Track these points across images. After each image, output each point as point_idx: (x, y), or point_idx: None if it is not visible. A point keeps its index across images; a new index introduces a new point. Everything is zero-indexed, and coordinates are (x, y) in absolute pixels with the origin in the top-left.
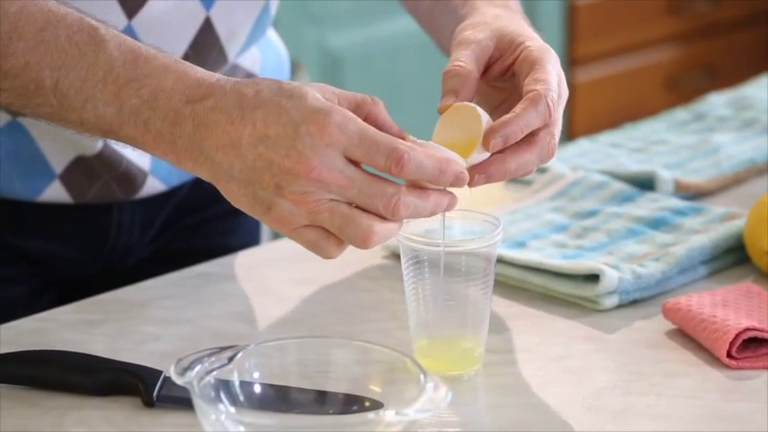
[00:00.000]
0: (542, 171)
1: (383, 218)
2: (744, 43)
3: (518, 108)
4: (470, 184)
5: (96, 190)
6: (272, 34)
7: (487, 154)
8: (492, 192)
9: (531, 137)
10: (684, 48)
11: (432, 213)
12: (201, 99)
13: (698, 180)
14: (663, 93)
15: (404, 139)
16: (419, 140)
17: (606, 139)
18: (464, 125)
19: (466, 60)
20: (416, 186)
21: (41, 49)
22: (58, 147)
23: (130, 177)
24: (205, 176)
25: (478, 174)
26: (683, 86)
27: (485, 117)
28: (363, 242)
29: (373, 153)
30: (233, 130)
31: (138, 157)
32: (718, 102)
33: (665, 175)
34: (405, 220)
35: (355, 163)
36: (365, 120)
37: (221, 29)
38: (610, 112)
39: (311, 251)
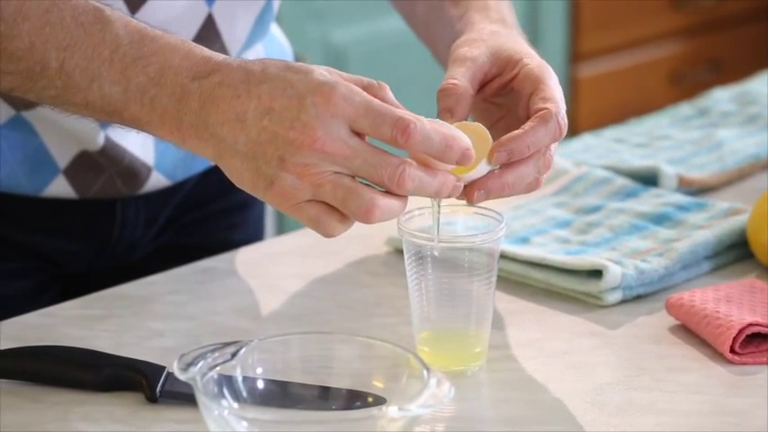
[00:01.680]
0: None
1: (388, 193)
2: (748, 38)
3: (527, 125)
4: (471, 201)
5: (100, 185)
6: (275, 30)
7: (488, 170)
8: None
9: None
10: (688, 43)
11: (437, 192)
12: (208, 75)
13: (701, 175)
14: (667, 88)
15: None
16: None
17: (610, 134)
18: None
19: (460, 78)
20: (423, 163)
21: (47, 30)
22: (62, 141)
23: (134, 172)
24: (209, 154)
25: (478, 190)
26: (686, 81)
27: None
28: (366, 215)
29: (379, 123)
30: (238, 104)
31: (141, 152)
32: (722, 97)
33: (669, 171)
34: (406, 216)
35: (361, 137)
36: None
37: (223, 26)
38: (613, 107)
39: (313, 228)
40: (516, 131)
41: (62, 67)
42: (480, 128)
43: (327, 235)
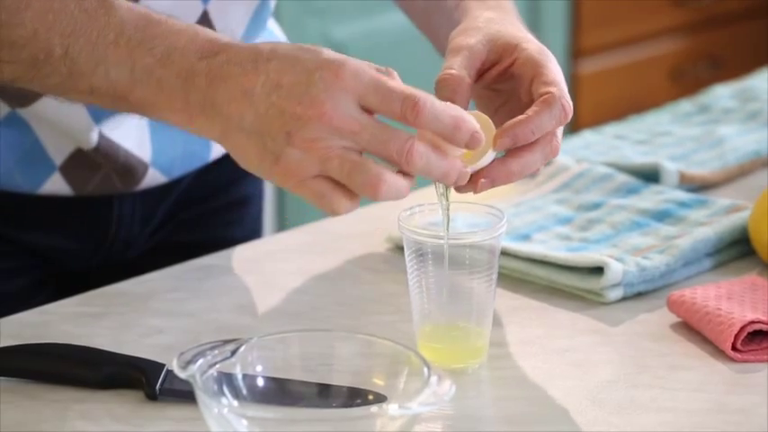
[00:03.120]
0: (547, 163)
1: (396, 171)
2: (748, 34)
3: (531, 110)
4: (475, 190)
5: (97, 182)
6: (273, 26)
7: (493, 158)
8: None
9: None
10: (689, 39)
11: (445, 175)
12: (215, 54)
13: (702, 172)
14: (667, 84)
15: None
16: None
17: (611, 130)
18: None
19: (457, 68)
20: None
21: (50, 17)
22: (58, 139)
23: (131, 169)
24: (216, 133)
25: (482, 179)
26: (687, 78)
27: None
28: (372, 189)
29: (389, 99)
30: (246, 81)
31: (138, 149)
32: (722, 93)
33: (670, 167)
34: (406, 212)
35: (369, 114)
36: None
37: (219, 23)
38: (614, 103)
39: (318, 205)
40: (520, 116)
41: (67, 52)
42: (483, 117)
43: (333, 211)
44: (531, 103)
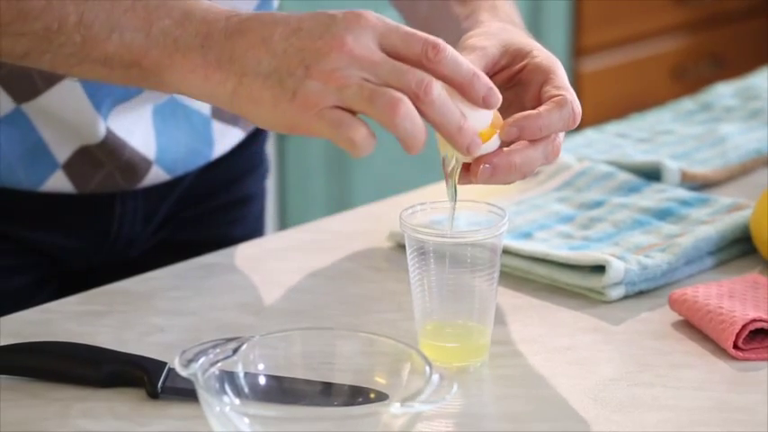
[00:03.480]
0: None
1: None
2: (750, 33)
3: (542, 108)
4: (475, 177)
5: (99, 180)
6: None
7: (497, 145)
8: None
9: None
10: (690, 37)
11: (457, 129)
12: (234, 15)
13: (704, 170)
14: (669, 83)
15: None
16: None
17: (612, 129)
18: None
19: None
20: None
21: None
22: (62, 136)
23: (134, 166)
24: (230, 88)
25: (484, 164)
26: (689, 76)
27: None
28: (392, 110)
29: (410, 39)
30: (266, 30)
31: (143, 146)
32: (724, 92)
33: (672, 166)
34: (408, 211)
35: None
36: None
37: None
38: (616, 102)
39: (335, 137)
40: (531, 111)
41: (81, 20)
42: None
43: (350, 140)
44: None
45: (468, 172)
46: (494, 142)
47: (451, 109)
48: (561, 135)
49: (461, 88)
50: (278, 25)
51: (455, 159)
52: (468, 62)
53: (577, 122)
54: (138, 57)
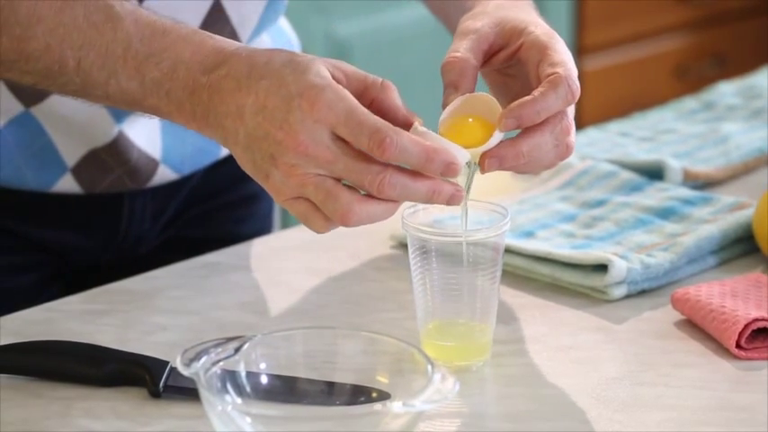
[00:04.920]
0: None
1: (371, 197)
2: (753, 32)
3: (537, 91)
4: (483, 170)
5: (108, 182)
6: (283, 23)
7: (499, 140)
8: (500, 181)
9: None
10: (693, 36)
11: (428, 198)
12: (217, 67)
13: (707, 169)
14: (671, 81)
15: (410, 124)
16: (423, 129)
17: (615, 128)
18: (479, 113)
19: (463, 51)
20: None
21: (60, 30)
22: (71, 140)
23: (141, 167)
24: (221, 143)
25: (489, 158)
26: (691, 75)
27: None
28: (342, 219)
29: (357, 133)
30: (240, 98)
31: (149, 147)
32: (727, 91)
33: (674, 165)
34: (410, 210)
35: (346, 141)
36: (370, 104)
37: (231, 11)
38: (618, 100)
39: (303, 223)
40: (525, 97)
41: (79, 65)
42: (489, 98)
43: (315, 231)
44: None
45: (479, 165)
46: (495, 138)
47: (413, 190)
48: (570, 114)
49: (418, 170)
50: (249, 93)
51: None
52: (419, 144)
53: (576, 97)
54: (137, 101)
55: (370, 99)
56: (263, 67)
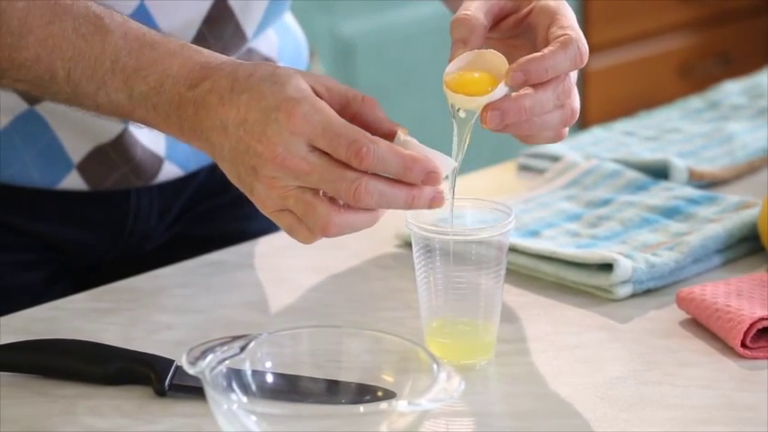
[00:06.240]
0: (555, 159)
1: (351, 207)
2: (758, 31)
3: (547, 49)
4: (484, 123)
5: (114, 179)
6: (290, 20)
7: (504, 93)
8: (505, 180)
9: None
10: (698, 35)
11: (408, 204)
12: (201, 82)
13: (712, 169)
14: (676, 80)
15: (394, 134)
16: (407, 138)
17: (620, 127)
18: (485, 67)
19: (473, 10)
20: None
21: (50, 42)
22: (76, 136)
23: (146, 164)
24: (210, 156)
25: (492, 110)
26: (696, 74)
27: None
28: (322, 231)
29: (335, 144)
30: (222, 113)
31: (153, 143)
32: (732, 90)
33: (679, 164)
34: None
35: (324, 152)
36: (352, 118)
37: (235, 3)
38: (623, 100)
39: (289, 235)
40: (535, 54)
41: (69, 76)
42: (496, 54)
43: (301, 242)
44: None
45: (480, 118)
46: (500, 90)
47: (391, 198)
48: (573, 77)
49: (398, 178)
50: (231, 108)
51: (464, 112)
52: (398, 153)
53: (585, 61)
54: (126, 113)
55: (353, 113)
56: (244, 82)
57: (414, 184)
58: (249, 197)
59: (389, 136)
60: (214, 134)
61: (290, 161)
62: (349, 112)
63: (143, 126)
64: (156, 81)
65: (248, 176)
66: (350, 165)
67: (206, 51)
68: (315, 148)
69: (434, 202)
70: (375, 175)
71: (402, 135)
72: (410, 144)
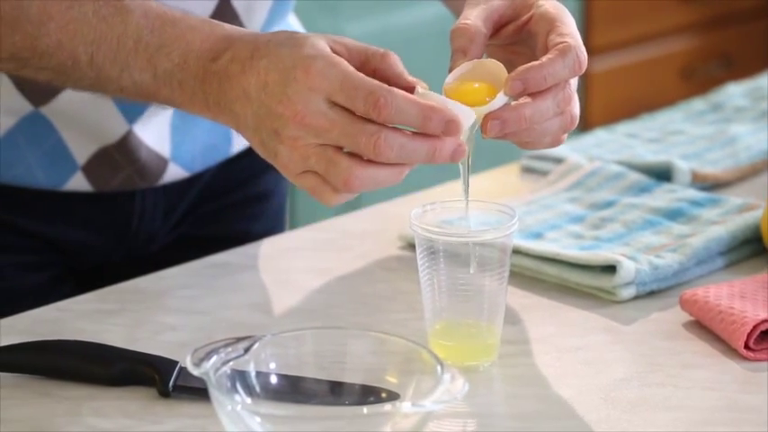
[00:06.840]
0: (558, 161)
1: (373, 162)
2: (760, 33)
3: (545, 57)
4: (485, 133)
5: (119, 181)
6: (293, 21)
7: (503, 102)
8: (508, 182)
9: None
10: (700, 37)
11: (429, 157)
12: (223, 52)
13: (715, 171)
14: (679, 83)
15: (413, 88)
16: (426, 91)
17: (623, 129)
18: (485, 77)
19: (473, 18)
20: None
21: (71, 27)
22: (81, 137)
23: (151, 166)
24: (234, 129)
25: (492, 119)
26: (699, 76)
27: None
28: (345, 185)
29: (353, 97)
30: (244, 80)
31: (158, 145)
32: (735, 92)
33: (682, 166)
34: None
35: (344, 108)
36: (372, 74)
37: (239, 4)
38: (626, 102)
39: (313, 197)
40: (533, 62)
41: (92, 60)
42: (496, 63)
43: (326, 204)
44: None
45: (481, 127)
46: (500, 99)
47: (410, 150)
48: (573, 84)
49: (418, 129)
50: (252, 74)
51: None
52: (416, 103)
53: (584, 68)
54: (151, 93)
55: (373, 69)
56: (263, 48)
57: (434, 136)
58: (273, 163)
59: (409, 90)
60: (238, 104)
61: (309, 118)
62: (369, 68)
63: (167, 107)
64: (180, 57)
65: (271, 141)
66: (369, 119)
67: (227, 25)
68: (334, 104)
69: (456, 154)
70: (397, 129)
71: (421, 89)
72: (429, 96)
